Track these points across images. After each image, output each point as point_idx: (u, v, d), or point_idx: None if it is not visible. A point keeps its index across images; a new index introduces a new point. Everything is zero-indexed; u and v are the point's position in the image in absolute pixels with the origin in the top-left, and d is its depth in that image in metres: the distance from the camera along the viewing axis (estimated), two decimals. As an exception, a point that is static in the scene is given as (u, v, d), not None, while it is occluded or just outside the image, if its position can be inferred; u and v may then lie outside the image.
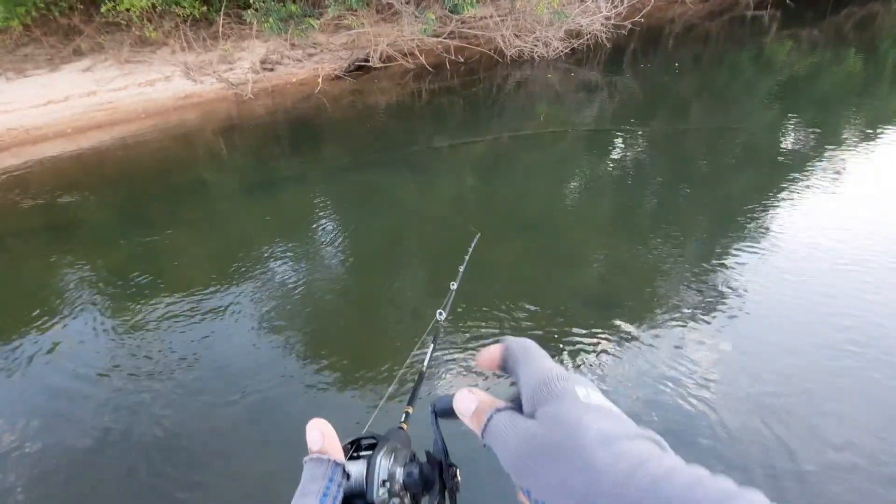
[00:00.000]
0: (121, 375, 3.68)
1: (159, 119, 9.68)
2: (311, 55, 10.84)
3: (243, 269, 4.87)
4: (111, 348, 3.99)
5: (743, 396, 3.09)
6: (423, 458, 0.48)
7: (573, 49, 11.29)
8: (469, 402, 0.43)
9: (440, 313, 0.72)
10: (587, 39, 11.35)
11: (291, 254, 5.13)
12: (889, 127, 7.23)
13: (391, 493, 0.44)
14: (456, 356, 3.39)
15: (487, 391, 0.43)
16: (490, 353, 0.46)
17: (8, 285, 5.28)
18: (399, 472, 0.45)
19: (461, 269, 0.79)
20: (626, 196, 6.02)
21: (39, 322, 4.37)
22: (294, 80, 10.47)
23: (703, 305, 3.87)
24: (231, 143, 8.73)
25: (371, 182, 6.64)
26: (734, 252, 4.50)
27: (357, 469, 0.45)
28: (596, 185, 6.59)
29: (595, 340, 3.56)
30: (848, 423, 2.88)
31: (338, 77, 10.38)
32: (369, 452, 0.47)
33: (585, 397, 0.38)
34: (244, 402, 3.31)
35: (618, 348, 3.51)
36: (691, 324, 3.69)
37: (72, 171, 8.05)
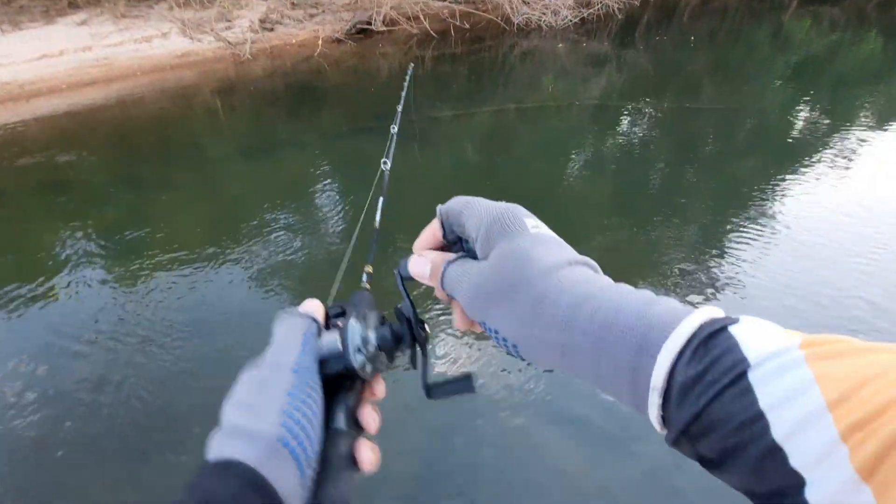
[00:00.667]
0: (111, 337, 3.64)
1: (155, 77, 9.45)
2: (312, 16, 10.49)
3: (236, 234, 4.79)
4: (103, 309, 3.94)
5: None
6: (392, 320, 0.50)
7: (583, 19, 10.89)
8: (422, 265, 0.47)
9: (384, 162, 0.71)
10: (598, 9, 10.95)
11: (283, 221, 5.03)
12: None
13: (368, 358, 0.46)
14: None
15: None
16: (427, 232, 0.50)
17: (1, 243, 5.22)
18: (372, 336, 0.47)
19: (399, 108, 0.75)
20: (628, 174, 5.86)
21: (31, 281, 4.32)
22: (294, 41, 10.16)
23: (703, 289, 3.77)
24: (228, 104, 8.54)
25: (367, 150, 6.48)
26: (738, 236, 4.38)
27: (330, 337, 0.45)
28: (597, 162, 6.42)
29: None
30: None
31: (339, 40, 10.07)
32: (339, 322, 0.48)
33: (534, 227, 0.43)
34: (234, 364, 3.27)
35: None
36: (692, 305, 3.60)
37: (69, 128, 7.90)
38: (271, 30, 10.15)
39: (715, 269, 4.00)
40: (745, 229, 4.47)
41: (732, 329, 0.31)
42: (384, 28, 10.21)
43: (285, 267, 4.31)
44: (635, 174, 5.86)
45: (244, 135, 7.49)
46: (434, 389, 0.47)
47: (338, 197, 5.54)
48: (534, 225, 0.43)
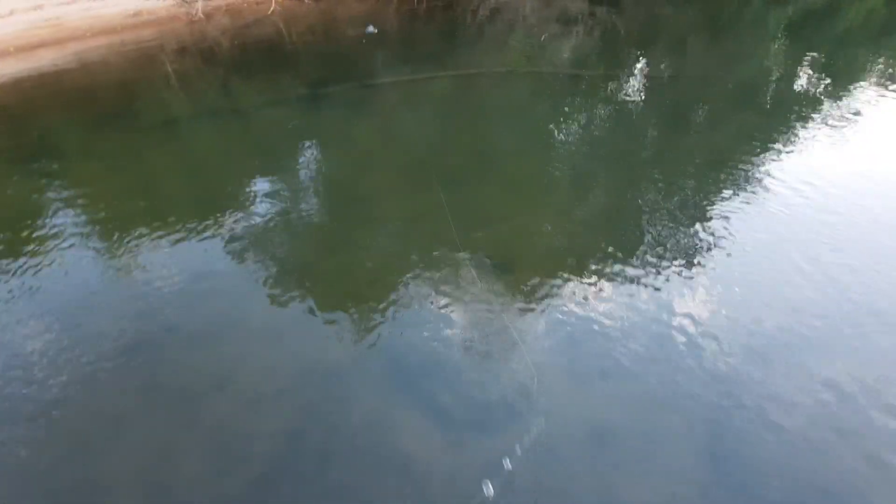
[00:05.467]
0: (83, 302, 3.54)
1: (111, 39, 9.02)
2: (271, -30, 9.90)
3: (201, 198, 4.68)
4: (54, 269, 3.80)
5: (730, 338, 2.97)
6: None
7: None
8: None
9: None
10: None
11: (245, 187, 4.78)
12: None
13: None
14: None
15: None
16: None
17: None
18: None
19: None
20: (603, 145, 5.41)
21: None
22: (252, -2, 9.64)
23: (686, 251, 3.65)
24: (182, 68, 8.13)
25: (319, 120, 6.12)
26: (722, 202, 4.18)
27: None
28: (564, 132, 6.00)
29: (572, 288, 3.36)
30: (831, 365, 2.78)
31: (297, -3, 9.54)
32: None
33: None
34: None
35: (604, 294, 3.30)
36: (676, 270, 3.46)
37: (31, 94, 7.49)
38: (227, -14, 9.62)
39: (698, 232, 3.84)
40: (730, 195, 4.27)
41: None
42: (346, -16, 9.64)
43: (246, 231, 4.15)
44: (610, 144, 5.46)
45: (197, 100, 7.16)
46: None
47: (296, 164, 5.30)
48: None
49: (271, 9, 9.08)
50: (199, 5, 9.09)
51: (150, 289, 3.68)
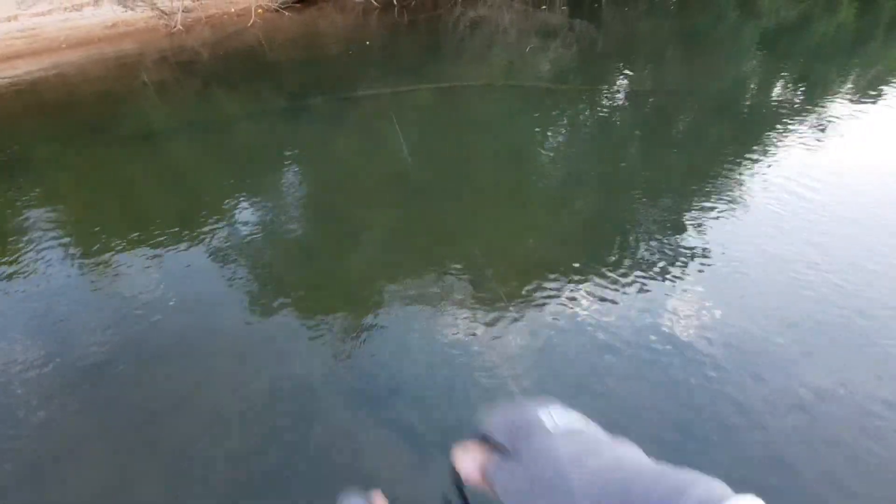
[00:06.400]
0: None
1: (83, 50, 8.91)
2: (252, -18, 9.91)
3: (174, 214, 4.59)
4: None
5: (719, 349, 2.96)
6: None
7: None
8: (469, 463, 0.51)
9: None
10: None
11: (221, 203, 4.70)
12: (877, 85, 6.67)
13: None
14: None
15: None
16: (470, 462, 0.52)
17: None
18: None
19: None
20: (582, 157, 5.41)
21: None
22: (232, 10, 9.61)
23: (673, 262, 3.64)
24: (159, 79, 8.06)
25: (299, 132, 6.08)
26: (705, 212, 4.21)
27: None
28: (541, 145, 6.01)
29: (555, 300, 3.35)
30: (823, 366, 2.79)
31: (277, 10, 9.53)
32: None
33: (553, 427, 0.46)
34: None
35: (584, 311, 3.27)
36: (662, 283, 3.46)
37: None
38: (207, -3, 9.60)
39: (682, 243, 3.85)
40: (712, 207, 4.30)
41: None
42: (327, -4, 9.67)
43: (220, 244, 4.09)
44: (590, 157, 5.45)
45: (176, 112, 7.10)
46: None
47: (273, 176, 5.26)
48: (551, 422, 0.46)
49: (251, 21, 9.06)
50: (179, 17, 9.05)
51: (117, 304, 3.62)
